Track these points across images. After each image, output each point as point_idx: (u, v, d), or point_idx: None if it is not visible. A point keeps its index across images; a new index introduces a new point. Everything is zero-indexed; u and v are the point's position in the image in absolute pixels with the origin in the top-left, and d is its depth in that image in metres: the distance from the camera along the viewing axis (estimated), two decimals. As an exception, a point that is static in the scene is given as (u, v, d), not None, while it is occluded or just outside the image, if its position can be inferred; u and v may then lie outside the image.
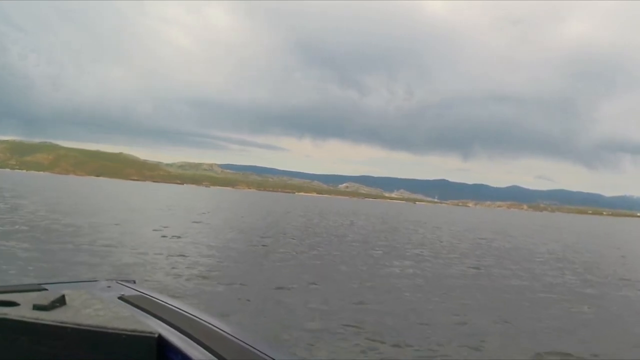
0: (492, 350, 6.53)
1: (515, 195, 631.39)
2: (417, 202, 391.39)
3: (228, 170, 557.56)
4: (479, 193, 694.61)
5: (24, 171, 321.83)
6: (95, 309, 1.24)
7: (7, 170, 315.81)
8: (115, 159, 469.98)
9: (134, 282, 1.73)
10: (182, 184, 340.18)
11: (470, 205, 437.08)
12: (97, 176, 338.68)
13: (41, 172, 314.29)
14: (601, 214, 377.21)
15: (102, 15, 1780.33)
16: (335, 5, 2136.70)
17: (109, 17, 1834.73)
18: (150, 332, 1.15)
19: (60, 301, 1.25)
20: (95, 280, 1.70)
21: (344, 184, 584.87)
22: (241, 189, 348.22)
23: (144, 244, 14.02)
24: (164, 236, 16.24)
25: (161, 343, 1.14)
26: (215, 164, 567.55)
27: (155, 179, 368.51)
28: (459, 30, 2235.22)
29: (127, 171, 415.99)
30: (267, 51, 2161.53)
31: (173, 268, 10.47)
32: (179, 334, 1.19)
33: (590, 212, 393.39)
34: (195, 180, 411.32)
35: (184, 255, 12.25)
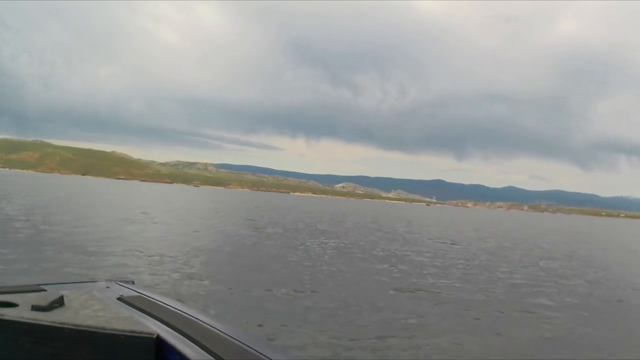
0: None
1: (513, 196, 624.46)
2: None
3: (223, 170, 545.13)
4: (476, 193, 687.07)
5: (7, 169, 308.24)
6: (93, 309, 1.24)
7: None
8: (103, 157, 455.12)
9: (133, 282, 1.72)
10: (172, 183, 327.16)
11: (469, 205, 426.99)
12: (83, 175, 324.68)
13: (24, 171, 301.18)
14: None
15: (92, 14, 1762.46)
16: (327, 5, 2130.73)
17: (100, 16, 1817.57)
18: (149, 333, 1.14)
19: (59, 302, 1.24)
20: (94, 281, 1.69)
21: (341, 184, 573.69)
22: (234, 189, 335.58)
23: None
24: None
25: (159, 343, 1.14)
26: (211, 164, 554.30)
27: (143, 178, 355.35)
28: (451, 29, 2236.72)
29: (115, 169, 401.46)
30: (259, 50, 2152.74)
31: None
32: (177, 334, 1.19)
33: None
34: (186, 179, 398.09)
35: None
